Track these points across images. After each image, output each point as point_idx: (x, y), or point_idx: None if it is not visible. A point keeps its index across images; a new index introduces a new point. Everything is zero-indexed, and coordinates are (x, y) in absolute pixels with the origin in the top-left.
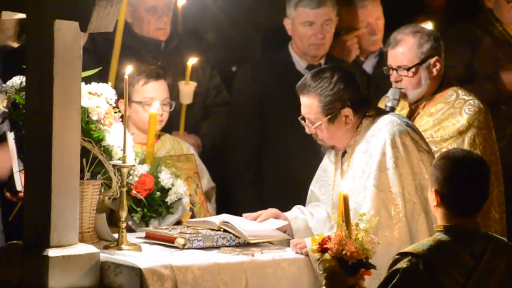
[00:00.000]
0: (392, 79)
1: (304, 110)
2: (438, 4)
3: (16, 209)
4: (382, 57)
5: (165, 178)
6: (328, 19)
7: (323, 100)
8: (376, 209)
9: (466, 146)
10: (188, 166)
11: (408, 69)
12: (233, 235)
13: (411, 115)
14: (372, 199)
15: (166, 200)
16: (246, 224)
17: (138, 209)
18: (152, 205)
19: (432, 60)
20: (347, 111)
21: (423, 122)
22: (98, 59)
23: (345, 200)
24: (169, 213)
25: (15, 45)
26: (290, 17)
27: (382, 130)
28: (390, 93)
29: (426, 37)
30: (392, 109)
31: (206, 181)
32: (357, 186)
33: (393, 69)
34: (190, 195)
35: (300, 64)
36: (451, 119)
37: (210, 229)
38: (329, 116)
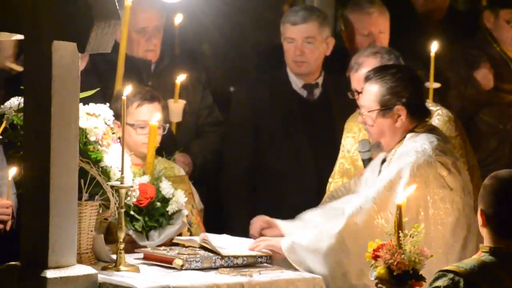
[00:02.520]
0: (359, 103)
1: (363, 97)
2: (436, 20)
3: None
4: None
5: (166, 187)
6: (309, 36)
7: (382, 90)
8: None
9: None
10: (183, 187)
11: None
12: (211, 251)
13: None
14: (367, 213)
15: (168, 209)
16: (226, 243)
17: (139, 217)
18: (153, 215)
19: None
20: (401, 109)
21: None
22: (99, 80)
23: (399, 210)
24: (169, 224)
25: (19, 68)
26: (281, 34)
27: (411, 155)
28: (360, 147)
29: (387, 56)
30: (370, 160)
31: (197, 202)
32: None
33: (359, 92)
34: (187, 216)
35: (297, 83)
36: None
37: (192, 247)
38: (383, 108)
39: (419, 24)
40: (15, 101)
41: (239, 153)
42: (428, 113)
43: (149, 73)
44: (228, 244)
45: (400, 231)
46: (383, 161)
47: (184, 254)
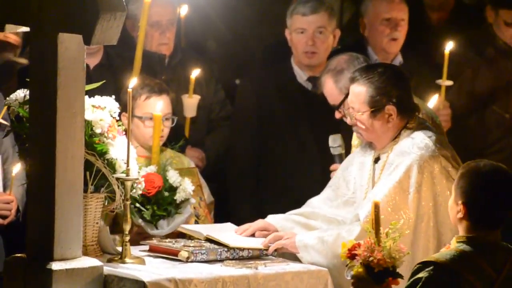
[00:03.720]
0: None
1: (350, 98)
2: (439, 17)
3: None
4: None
5: (173, 176)
6: (320, 26)
7: (371, 91)
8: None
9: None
10: (191, 179)
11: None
12: (217, 243)
13: None
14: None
15: (175, 198)
16: (232, 237)
17: (148, 206)
18: (161, 204)
19: None
20: (392, 109)
21: None
22: (113, 74)
23: (376, 208)
24: (178, 213)
25: (23, 61)
26: (288, 27)
27: (414, 152)
28: (331, 142)
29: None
30: (341, 156)
31: (206, 196)
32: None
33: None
34: (194, 208)
35: (301, 76)
36: None
37: (198, 239)
38: (373, 109)
39: (427, 18)
40: (21, 93)
41: (245, 146)
42: (417, 108)
43: (163, 67)
44: (233, 236)
45: (379, 229)
46: (376, 159)
47: (190, 246)
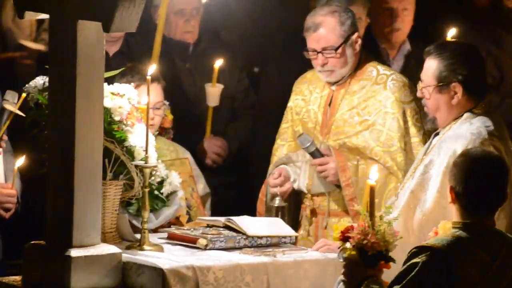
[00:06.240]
0: (318, 62)
1: (422, 72)
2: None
3: None
4: (409, 59)
5: (160, 168)
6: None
7: (440, 66)
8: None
9: (401, 121)
10: (183, 170)
11: (336, 50)
12: (236, 231)
13: (332, 96)
14: (433, 201)
15: (162, 191)
16: (251, 224)
17: (133, 201)
18: (153, 198)
19: (354, 37)
20: (458, 86)
21: (346, 101)
22: (133, 62)
23: (371, 191)
24: (166, 206)
25: (37, 46)
26: None
27: (466, 137)
28: (301, 144)
29: (345, 14)
30: (318, 150)
31: (202, 186)
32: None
33: (318, 52)
34: (186, 198)
35: None
36: (377, 95)
37: (216, 226)
38: (440, 84)
39: (444, 5)
40: (40, 81)
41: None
42: (485, 90)
43: (187, 55)
44: (252, 224)
45: (374, 212)
46: (436, 134)
47: (208, 234)
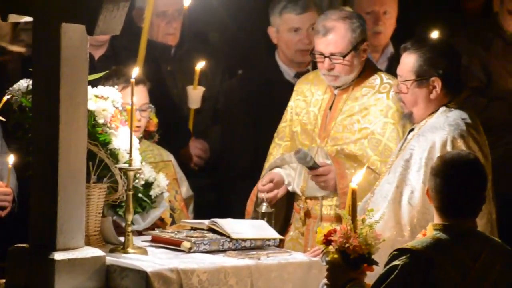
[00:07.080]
0: (324, 66)
1: (399, 67)
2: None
3: None
4: (393, 62)
5: (147, 171)
6: (313, 23)
7: (419, 60)
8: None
9: (400, 132)
10: (166, 172)
11: (344, 56)
12: (220, 233)
13: (334, 100)
14: (420, 193)
15: (150, 193)
16: (235, 227)
17: (123, 203)
18: (136, 200)
19: (363, 45)
20: (437, 81)
21: (347, 107)
22: (117, 65)
23: (353, 194)
24: (153, 208)
25: (15, 48)
26: (274, 25)
27: (444, 128)
28: (301, 161)
29: (357, 22)
30: (315, 163)
31: (185, 189)
32: (398, 167)
33: (325, 56)
34: (169, 201)
35: (288, 73)
36: (378, 104)
37: (200, 229)
38: (419, 79)
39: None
40: (24, 83)
41: (239, 142)
42: (463, 86)
43: (169, 57)
44: (236, 227)
45: (356, 215)
46: (411, 130)
47: (192, 236)
